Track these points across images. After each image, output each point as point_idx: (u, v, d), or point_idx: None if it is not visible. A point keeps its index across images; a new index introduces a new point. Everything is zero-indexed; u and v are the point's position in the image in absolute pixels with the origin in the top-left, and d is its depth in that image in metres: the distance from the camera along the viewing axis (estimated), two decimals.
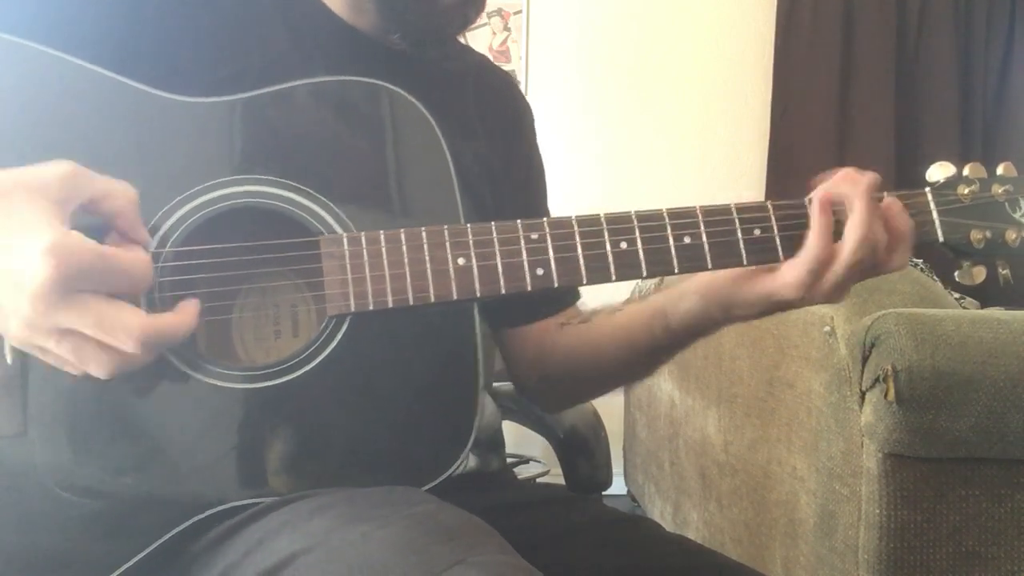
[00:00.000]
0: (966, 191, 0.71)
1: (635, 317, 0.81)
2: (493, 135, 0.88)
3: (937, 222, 0.70)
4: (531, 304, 0.90)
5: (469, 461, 0.79)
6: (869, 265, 0.67)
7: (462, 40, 0.90)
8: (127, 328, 0.53)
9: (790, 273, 0.67)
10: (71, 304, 0.52)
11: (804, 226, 0.68)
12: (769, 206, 0.68)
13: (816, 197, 0.67)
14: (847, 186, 0.67)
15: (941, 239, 0.71)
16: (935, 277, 1.34)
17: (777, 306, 0.70)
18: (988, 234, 0.70)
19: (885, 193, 0.69)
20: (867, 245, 0.66)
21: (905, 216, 0.68)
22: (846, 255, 0.65)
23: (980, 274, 0.71)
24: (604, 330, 0.84)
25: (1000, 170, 0.72)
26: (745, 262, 0.67)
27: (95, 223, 0.57)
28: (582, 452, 1.36)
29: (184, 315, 0.58)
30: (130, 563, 0.59)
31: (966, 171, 0.72)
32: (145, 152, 0.65)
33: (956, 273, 0.72)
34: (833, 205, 0.67)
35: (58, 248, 0.50)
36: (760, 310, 0.71)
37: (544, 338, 0.90)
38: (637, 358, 0.82)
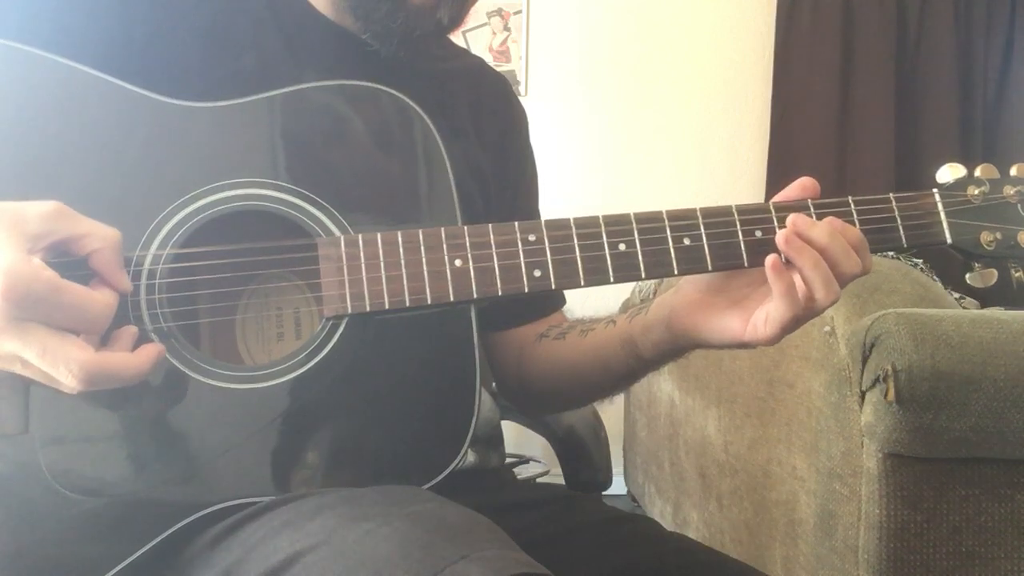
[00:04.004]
0: (976, 192, 0.70)
1: (607, 342, 0.80)
2: (485, 136, 0.88)
3: (945, 223, 0.70)
4: (513, 308, 0.90)
5: (468, 457, 0.80)
6: (845, 278, 0.66)
7: (461, 43, 0.90)
8: (69, 362, 0.53)
9: (763, 330, 0.66)
10: (17, 331, 0.52)
11: None
12: (771, 207, 0.68)
13: (768, 264, 0.64)
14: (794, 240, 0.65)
15: (949, 241, 0.70)
16: (935, 277, 1.34)
17: (749, 347, 0.69)
18: (999, 236, 0.70)
19: (810, 201, 0.68)
20: (822, 274, 0.64)
21: (850, 228, 0.66)
22: (815, 294, 0.64)
23: (991, 276, 0.70)
24: (577, 351, 0.84)
25: (1013, 171, 0.72)
26: (746, 264, 0.67)
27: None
28: (582, 452, 1.36)
29: (140, 357, 0.57)
30: (129, 560, 0.60)
31: (977, 172, 0.71)
32: (145, 156, 0.65)
33: (967, 276, 0.71)
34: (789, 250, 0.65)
35: (11, 272, 0.51)
36: (731, 347, 0.70)
37: (524, 346, 0.90)
38: (611, 379, 0.82)
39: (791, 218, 0.65)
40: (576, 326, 0.86)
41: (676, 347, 0.74)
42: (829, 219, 0.66)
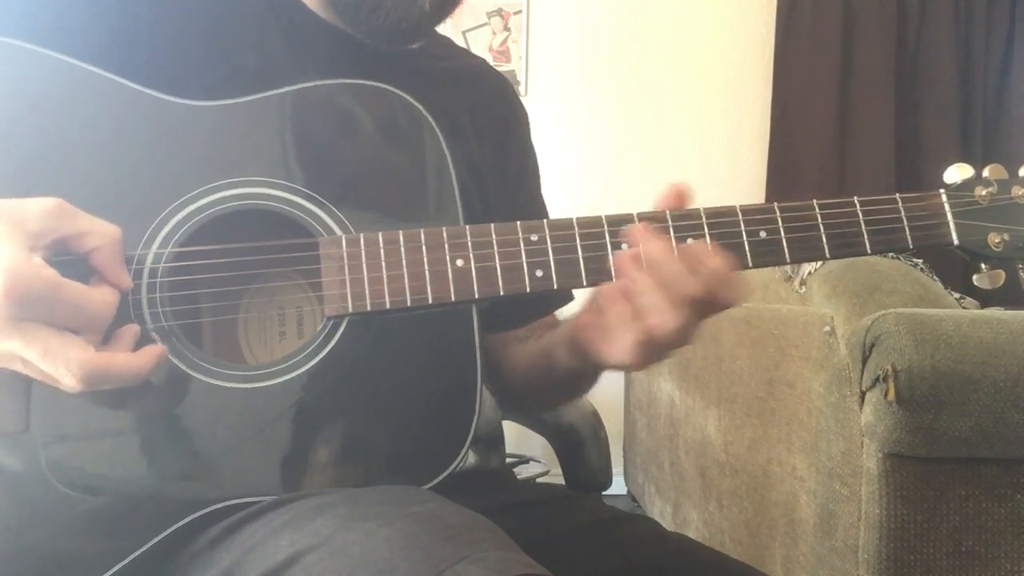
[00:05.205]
0: (984, 192, 0.70)
1: (547, 348, 0.79)
2: (484, 135, 0.88)
3: (952, 224, 0.70)
4: (515, 309, 0.90)
5: (469, 458, 0.80)
6: (685, 302, 0.61)
7: (461, 43, 0.91)
8: (69, 362, 0.53)
9: (618, 354, 0.64)
10: (18, 330, 0.52)
11: (812, 228, 0.67)
12: (775, 208, 0.68)
13: (602, 293, 0.63)
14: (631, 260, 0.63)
15: (956, 242, 0.70)
16: (935, 277, 1.34)
17: (628, 370, 0.67)
18: (1007, 237, 0.70)
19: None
20: (657, 300, 0.61)
21: (693, 245, 0.63)
22: (651, 319, 0.61)
23: (999, 278, 0.70)
24: (528, 355, 0.84)
25: (1022, 172, 0.71)
26: (750, 264, 0.67)
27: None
28: (581, 452, 1.36)
29: (141, 358, 0.57)
30: (129, 559, 0.60)
31: (985, 172, 0.71)
32: (147, 155, 0.65)
33: (975, 277, 0.71)
34: (622, 278, 0.63)
35: (11, 270, 0.51)
36: (615, 369, 0.68)
37: (503, 348, 0.90)
38: (554, 384, 0.82)
39: (628, 237, 0.63)
40: (536, 329, 0.86)
41: (584, 363, 0.72)
42: (662, 238, 0.63)
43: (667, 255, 0.62)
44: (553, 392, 0.86)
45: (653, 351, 0.63)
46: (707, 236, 0.66)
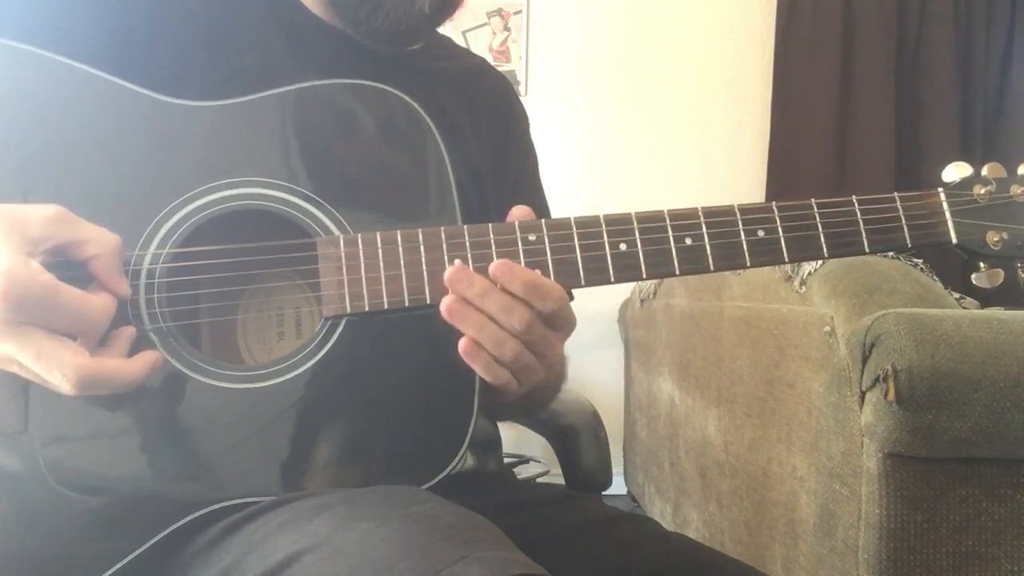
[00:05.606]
0: (983, 191, 0.70)
1: None
2: (483, 135, 0.88)
3: (950, 223, 0.70)
4: None
5: (467, 460, 0.79)
6: (513, 333, 0.62)
7: (461, 43, 0.91)
8: (63, 367, 0.53)
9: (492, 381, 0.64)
10: (13, 333, 0.52)
11: (810, 227, 0.67)
12: (773, 207, 0.68)
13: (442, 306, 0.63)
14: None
15: (954, 241, 0.70)
16: (935, 277, 1.34)
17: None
18: (1005, 235, 0.69)
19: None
20: (488, 336, 0.62)
21: (516, 276, 0.62)
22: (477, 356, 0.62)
23: (997, 277, 0.70)
24: None
25: (1021, 170, 0.71)
26: (748, 264, 0.67)
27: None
28: (581, 452, 1.36)
29: (135, 365, 0.58)
30: (128, 559, 0.60)
31: (984, 171, 0.71)
32: (145, 156, 0.65)
33: (973, 276, 0.71)
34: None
35: (9, 273, 0.51)
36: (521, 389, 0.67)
37: None
38: (502, 405, 0.81)
39: (448, 280, 0.62)
40: None
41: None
42: (489, 273, 0.63)
43: (491, 293, 0.62)
44: (502, 409, 0.84)
45: (516, 380, 0.64)
46: (705, 235, 0.66)
